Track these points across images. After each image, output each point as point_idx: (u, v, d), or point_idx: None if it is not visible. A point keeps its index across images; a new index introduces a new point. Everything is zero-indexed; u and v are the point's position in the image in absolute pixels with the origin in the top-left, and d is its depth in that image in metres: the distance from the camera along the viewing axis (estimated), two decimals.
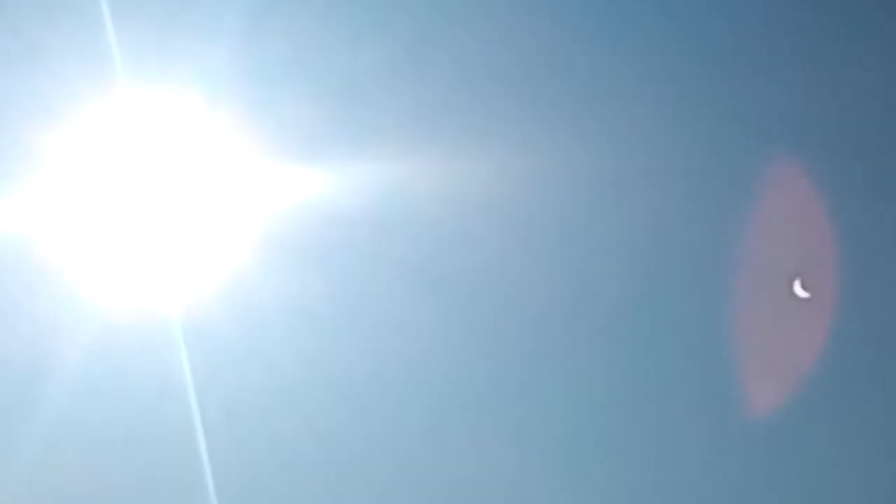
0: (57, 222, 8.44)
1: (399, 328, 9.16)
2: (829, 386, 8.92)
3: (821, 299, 9.07)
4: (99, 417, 8.94)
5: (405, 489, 9.29)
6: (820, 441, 9.07)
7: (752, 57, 9.51)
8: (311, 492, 9.39)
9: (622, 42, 9.37)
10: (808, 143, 9.38)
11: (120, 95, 8.31)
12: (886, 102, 9.25)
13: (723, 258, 9.26)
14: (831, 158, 9.24)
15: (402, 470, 9.21)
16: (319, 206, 8.43)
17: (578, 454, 9.12)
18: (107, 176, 8.45)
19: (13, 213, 8.28)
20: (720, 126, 9.42)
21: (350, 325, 9.20)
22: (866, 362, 9.02)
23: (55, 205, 8.36)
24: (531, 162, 8.69)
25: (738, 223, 9.19)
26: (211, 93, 8.62)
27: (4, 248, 8.62)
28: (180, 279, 8.64)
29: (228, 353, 8.84)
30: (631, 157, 9.23)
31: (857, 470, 8.88)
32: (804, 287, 8.66)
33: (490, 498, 9.04)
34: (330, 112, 8.79)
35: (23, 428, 8.35)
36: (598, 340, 9.23)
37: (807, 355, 8.82)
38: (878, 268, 9.20)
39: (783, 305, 9.06)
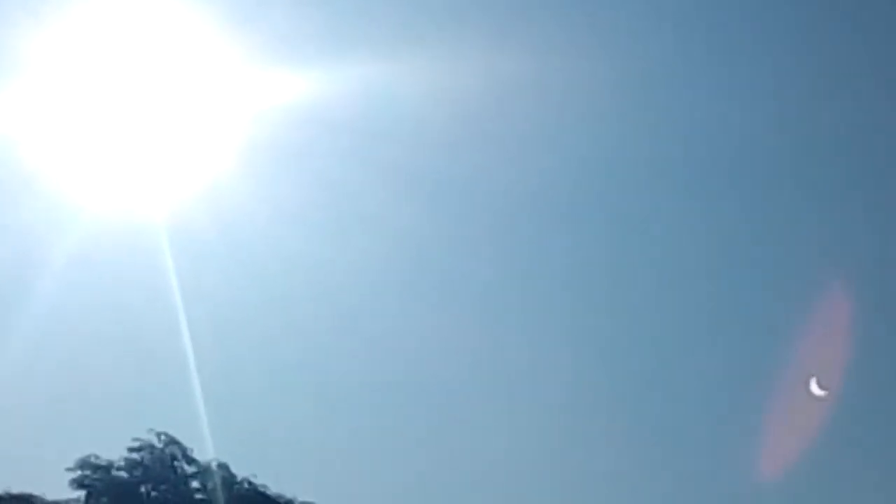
0: (44, 126, 8.51)
1: (384, 231, 9.28)
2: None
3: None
4: (87, 319, 9.06)
5: (383, 390, 9.43)
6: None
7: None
8: (293, 388, 9.54)
9: None
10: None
11: None
12: None
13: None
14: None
15: (380, 366, 9.34)
16: (304, 110, 8.52)
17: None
18: (93, 78, 8.50)
19: (0, 115, 8.35)
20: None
21: (334, 228, 9.33)
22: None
23: (43, 108, 8.43)
24: (520, 65, 8.74)
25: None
26: None
27: None
28: (166, 182, 8.73)
29: (213, 256, 8.97)
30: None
31: None
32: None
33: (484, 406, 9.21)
34: (315, 14, 8.83)
35: (11, 333, 8.49)
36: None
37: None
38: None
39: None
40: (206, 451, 8.71)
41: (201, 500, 8.66)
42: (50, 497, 8.53)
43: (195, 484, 8.78)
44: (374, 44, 9.04)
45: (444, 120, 9.00)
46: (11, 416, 8.97)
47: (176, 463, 8.75)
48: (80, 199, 8.93)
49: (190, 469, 8.78)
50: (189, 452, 8.73)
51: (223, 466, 8.76)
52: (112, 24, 8.67)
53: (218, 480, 8.68)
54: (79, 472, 8.62)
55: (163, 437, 8.77)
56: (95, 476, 8.66)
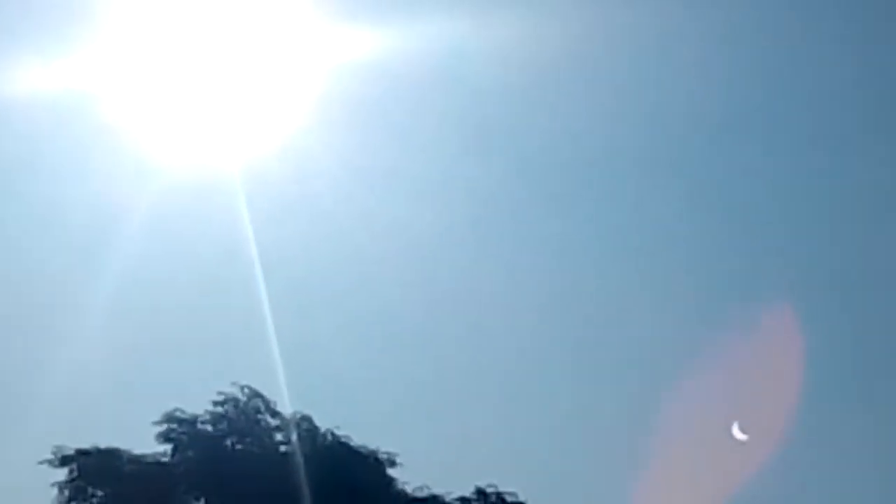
0: (122, 81, 8.54)
1: (462, 188, 9.34)
2: None
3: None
4: (166, 275, 9.10)
5: (458, 342, 9.52)
6: None
7: None
8: (369, 341, 9.62)
9: None
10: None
11: None
12: None
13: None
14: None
15: (454, 318, 9.44)
16: (381, 66, 8.56)
17: None
18: (169, 36, 8.53)
19: (78, 72, 8.39)
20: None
21: (410, 184, 9.38)
22: None
23: (120, 63, 8.45)
24: (604, 16, 8.79)
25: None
26: None
27: (69, 106, 8.72)
28: (243, 138, 8.77)
29: (289, 211, 9.02)
30: None
31: None
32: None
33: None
34: None
35: (91, 288, 8.55)
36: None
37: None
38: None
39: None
40: (284, 404, 8.81)
41: (285, 452, 8.77)
42: (136, 451, 8.61)
43: (279, 437, 8.91)
44: (447, 2, 9.10)
45: (524, 75, 9.06)
46: (95, 371, 9.03)
47: (259, 416, 8.86)
48: (158, 154, 8.97)
49: (273, 422, 8.91)
50: (272, 405, 8.83)
51: (306, 419, 8.85)
52: None
53: (302, 433, 8.81)
54: (165, 426, 8.67)
55: (246, 391, 8.83)
56: (181, 430, 8.71)
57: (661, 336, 9.82)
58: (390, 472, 9.06)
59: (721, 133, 10.17)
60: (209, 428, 9.03)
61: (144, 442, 8.77)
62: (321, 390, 9.23)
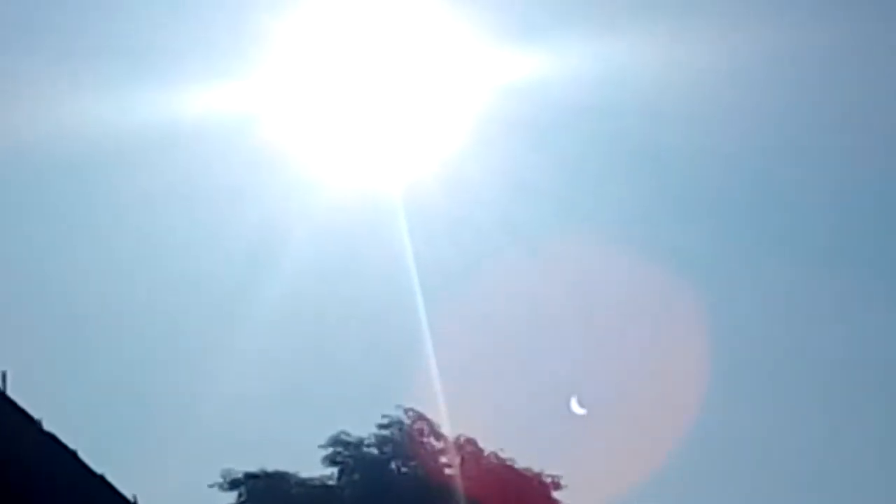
0: (284, 104, 8.61)
1: (618, 209, 9.32)
2: None
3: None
4: (327, 294, 9.18)
5: (601, 361, 9.52)
6: None
7: None
8: (528, 366, 9.62)
9: None
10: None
11: None
12: None
13: None
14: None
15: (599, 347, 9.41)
16: (538, 88, 8.57)
17: None
18: (331, 58, 8.58)
19: (243, 95, 8.47)
20: None
21: (568, 205, 9.38)
22: None
23: (282, 87, 8.52)
24: (759, 38, 8.67)
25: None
26: None
27: (235, 128, 8.80)
28: (403, 160, 8.82)
29: (448, 232, 9.06)
30: None
31: None
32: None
33: None
34: None
35: (255, 310, 8.63)
36: None
37: None
38: None
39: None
40: (445, 426, 8.83)
41: (451, 475, 8.82)
42: (303, 474, 8.69)
43: (443, 459, 8.95)
44: (605, 20, 9.06)
45: (678, 96, 9.03)
46: (261, 393, 9.12)
47: (424, 439, 8.91)
48: (322, 174, 9.03)
49: (438, 445, 8.94)
50: (437, 428, 8.86)
51: (471, 441, 8.89)
52: (349, 8, 8.72)
53: (466, 455, 8.84)
54: (331, 450, 8.77)
55: (410, 413, 8.88)
56: (347, 453, 8.79)
57: None
58: (556, 494, 9.12)
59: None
60: (374, 451, 9.10)
61: (312, 465, 8.90)
62: (482, 413, 9.22)
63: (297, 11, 8.70)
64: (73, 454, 5.38)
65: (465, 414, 9.13)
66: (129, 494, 5.79)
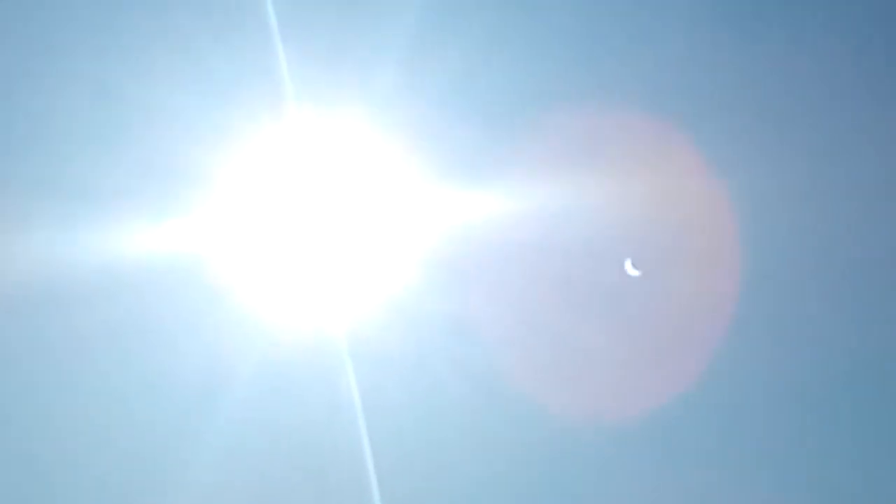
0: (226, 242, 8.67)
1: (563, 342, 9.27)
2: None
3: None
4: (270, 432, 9.14)
5: (567, 493, 9.40)
6: None
7: None
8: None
9: None
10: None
11: (288, 117, 8.54)
12: None
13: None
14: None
15: (564, 474, 9.33)
16: (487, 228, 8.58)
17: None
18: (275, 197, 8.67)
19: (185, 234, 8.53)
20: None
21: (514, 343, 9.33)
22: None
23: (225, 225, 8.59)
24: (710, 180, 8.77)
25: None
26: (378, 115, 8.82)
27: (177, 267, 8.86)
28: (349, 298, 8.82)
29: (394, 371, 9.01)
30: None
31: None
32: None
33: None
34: (497, 136, 8.94)
35: (197, 443, 8.59)
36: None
37: None
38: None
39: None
40: None
41: None
42: None
43: None
44: (551, 163, 9.13)
45: (618, 236, 9.05)
46: None
47: None
48: (265, 315, 9.03)
49: None
50: None
51: None
52: (296, 144, 8.82)
53: None
54: None
55: None
56: None
57: None
58: None
59: None
60: None
61: None
62: None
63: (240, 149, 8.80)
64: None
65: None
66: None
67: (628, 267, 8.95)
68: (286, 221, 9.01)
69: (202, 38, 8.91)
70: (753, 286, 8.91)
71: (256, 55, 8.89)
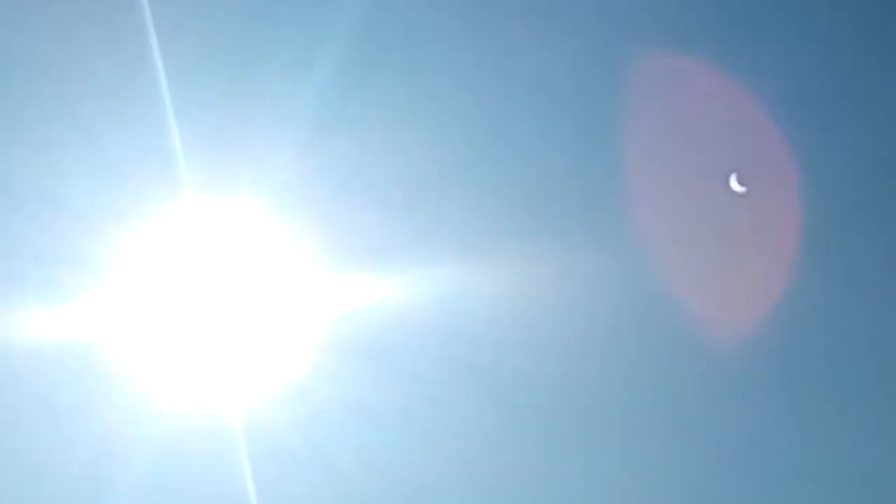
0: (122, 328, 8.54)
1: (463, 431, 9.22)
2: None
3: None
4: None
5: None
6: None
7: None
8: None
9: None
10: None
11: (183, 200, 8.44)
12: None
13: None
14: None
15: None
16: (383, 312, 8.52)
17: None
18: (171, 282, 8.56)
19: (75, 320, 8.39)
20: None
21: (415, 428, 9.26)
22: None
23: (120, 311, 8.46)
24: (602, 266, 8.79)
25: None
26: (276, 196, 8.75)
27: (67, 353, 8.71)
28: (243, 384, 8.71)
29: (291, 459, 8.89)
30: None
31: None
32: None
33: None
34: (397, 216, 8.91)
35: None
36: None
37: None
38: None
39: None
40: None
41: None
42: None
43: None
44: (449, 249, 9.12)
45: (519, 321, 9.04)
46: None
47: None
48: (159, 400, 8.90)
49: None
50: None
51: None
52: (191, 229, 8.74)
53: None
54: None
55: None
56: None
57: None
58: None
59: None
60: None
61: None
62: None
63: (135, 230, 8.70)
64: None
65: None
66: None
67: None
68: (180, 306, 8.90)
69: (93, 114, 8.82)
70: None
71: (150, 134, 8.80)
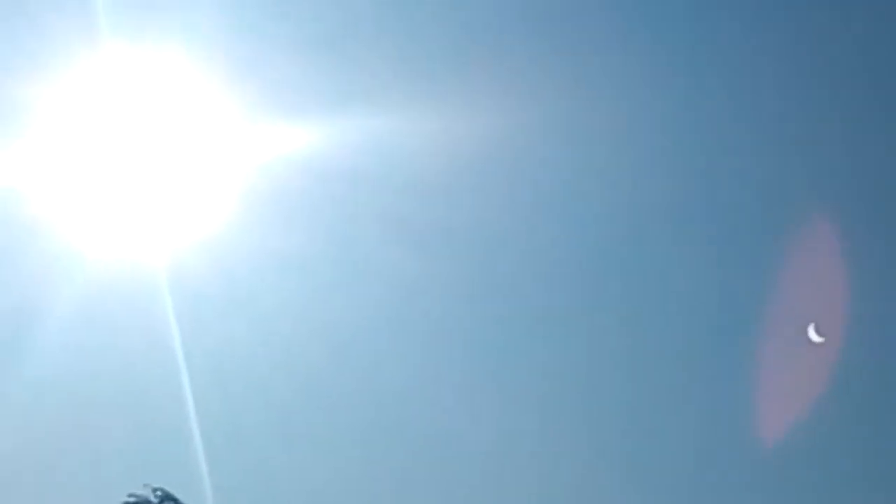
0: (47, 178, 8.69)
1: (380, 277, 9.50)
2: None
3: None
4: (88, 367, 9.18)
5: (382, 434, 9.64)
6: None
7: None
8: (295, 444, 9.69)
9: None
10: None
11: (105, 51, 8.59)
12: None
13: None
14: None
15: (381, 414, 9.56)
16: (302, 162, 8.76)
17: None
18: (95, 132, 8.72)
19: (4, 169, 8.53)
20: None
21: (330, 274, 9.53)
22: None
23: (45, 160, 8.62)
24: (515, 117, 9.07)
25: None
26: (196, 47, 8.91)
27: None
28: (167, 232, 8.92)
29: (212, 302, 9.14)
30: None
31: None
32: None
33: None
34: (314, 68, 9.12)
35: (14, 378, 8.62)
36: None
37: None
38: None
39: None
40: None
41: None
42: None
43: None
44: (370, 98, 9.34)
45: (438, 170, 9.31)
46: (11, 467, 8.99)
47: None
48: (84, 249, 9.09)
49: None
50: None
51: None
52: (114, 80, 8.87)
53: None
54: None
55: (158, 493, 8.78)
56: None
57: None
58: None
59: None
60: None
61: None
62: (242, 488, 9.18)
63: (58, 80, 8.84)
64: None
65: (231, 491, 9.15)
66: None
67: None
68: (107, 158, 9.07)
69: None
70: None
71: None
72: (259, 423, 9.54)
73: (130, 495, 8.72)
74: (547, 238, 9.72)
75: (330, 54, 9.33)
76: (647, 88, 9.61)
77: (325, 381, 9.67)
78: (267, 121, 9.11)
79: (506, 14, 9.52)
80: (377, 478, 9.43)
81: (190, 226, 9.22)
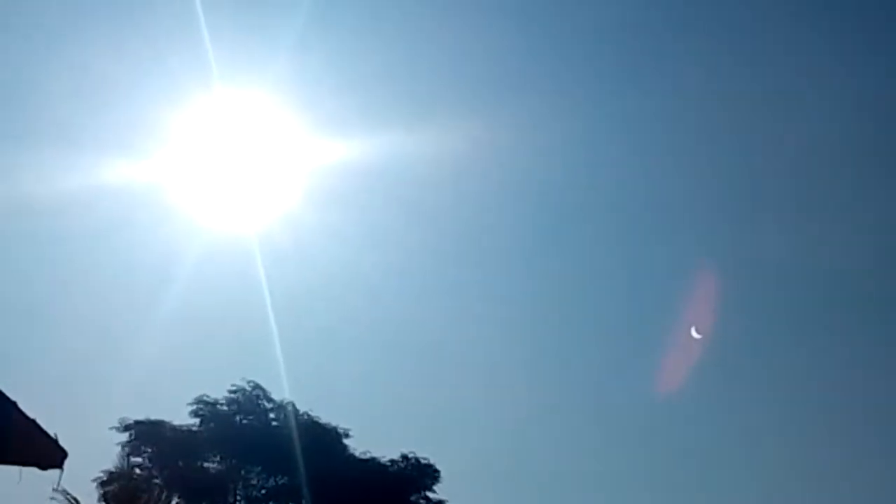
0: (179, 175, 12.62)
1: (406, 248, 13.34)
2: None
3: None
4: (207, 302, 13.19)
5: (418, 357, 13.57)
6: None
7: None
8: (351, 350, 13.74)
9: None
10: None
11: (217, 89, 12.41)
12: None
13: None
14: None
15: (413, 338, 13.43)
16: (346, 165, 12.60)
17: None
18: (213, 141, 12.65)
19: (139, 167, 12.45)
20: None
21: (371, 245, 13.45)
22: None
23: (177, 164, 12.56)
24: (505, 136, 12.80)
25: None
26: (281, 84, 12.71)
27: (134, 192, 12.80)
28: (257, 209, 12.84)
29: (291, 261, 13.08)
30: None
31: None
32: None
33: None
34: (356, 98, 12.86)
35: (156, 307, 12.62)
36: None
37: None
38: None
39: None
40: (283, 393, 12.76)
41: (276, 426, 12.62)
42: (175, 422, 12.51)
43: (272, 416, 12.76)
44: (395, 119, 13.24)
45: (444, 174, 13.15)
46: (152, 366, 13.07)
47: (259, 401, 12.71)
48: (199, 219, 13.13)
49: (269, 405, 12.76)
50: (268, 394, 12.70)
51: (291, 404, 12.69)
52: (224, 108, 12.73)
53: (288, 413, 12.64)
54: (195, 406, 12.62)
55: (250, 383, 12.71)
56: (206, 409, 12.62)
57: None
58: (345, 441, 12.99)
59: None
60: (225, 408, 12.96)
61: (181, 416, 12.77)
62: (311, 384, 13.49)
63: (185, 108, 12.81)
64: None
65: (299, 384, 13.24)
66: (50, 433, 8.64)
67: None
68: (217, 161, 13.00)
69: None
70: None
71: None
72: (324, 339, 13.78)
73: (233, 385, 12.65)
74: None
75: (366, 90, 13.15)
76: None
77: (372, 310, 13.84)
78: (323, 137, 12.93)
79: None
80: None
81: (274, 206, 13.21)
